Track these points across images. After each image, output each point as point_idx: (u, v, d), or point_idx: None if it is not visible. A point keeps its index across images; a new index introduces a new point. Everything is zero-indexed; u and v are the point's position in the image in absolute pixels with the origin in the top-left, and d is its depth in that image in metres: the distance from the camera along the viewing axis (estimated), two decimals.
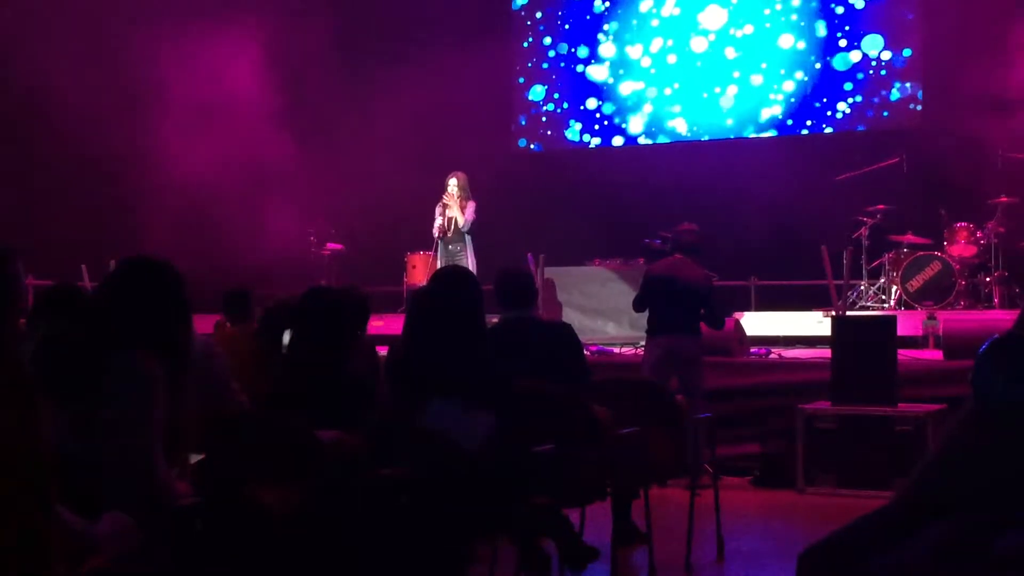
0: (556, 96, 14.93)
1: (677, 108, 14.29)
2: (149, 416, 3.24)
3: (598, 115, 14.68)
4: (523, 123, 15.14)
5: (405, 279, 12.31)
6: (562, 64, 14.90)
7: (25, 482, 2.44)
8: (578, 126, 14.78)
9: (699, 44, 14.16)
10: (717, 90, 14.05)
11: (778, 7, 13.85)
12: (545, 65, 15.03)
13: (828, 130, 13.65)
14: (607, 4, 14.68)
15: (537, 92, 15.04)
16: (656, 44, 14.37)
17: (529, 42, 15.12)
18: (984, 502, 2.13)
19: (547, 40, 15.00)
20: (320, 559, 3.54)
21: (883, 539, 2.16)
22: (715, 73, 14.07)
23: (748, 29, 13.95)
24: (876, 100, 13.43)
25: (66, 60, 12.42)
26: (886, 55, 13.34)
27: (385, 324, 11.04)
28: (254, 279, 6.68)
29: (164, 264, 3.59)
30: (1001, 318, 9.27)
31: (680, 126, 14.29)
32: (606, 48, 14.62)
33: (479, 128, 14.15)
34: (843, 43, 13.51)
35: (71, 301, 4.69)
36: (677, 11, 14.28)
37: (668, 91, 14.31)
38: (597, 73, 14.67)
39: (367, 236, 13.44)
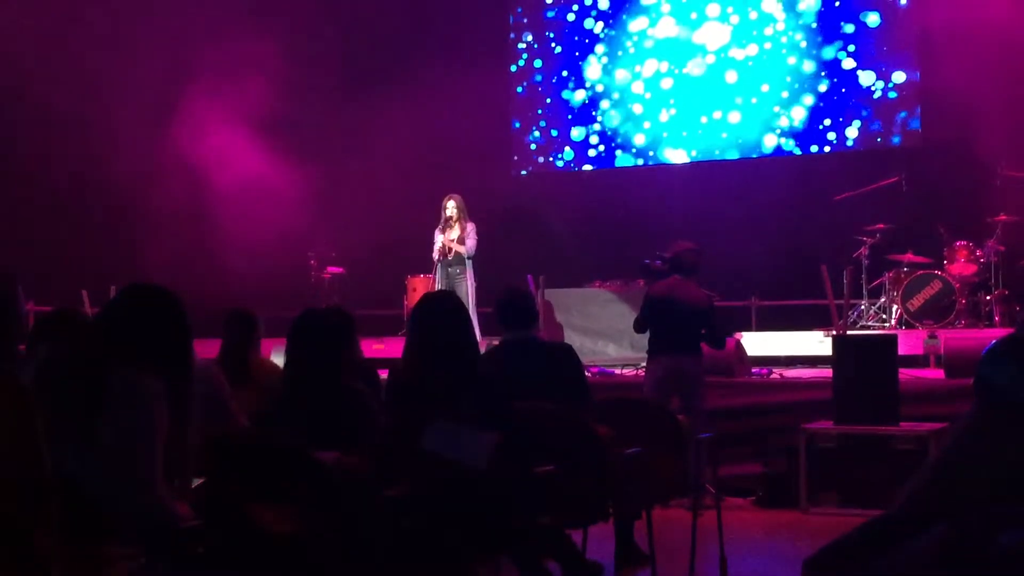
0: (555, 119, 14.94)
1: (677, 129, 14.30)
2: (150, 436, 3.24)
3: (596, 138, 14.69)
4: (521, 146, 15.16)
5: (405, 302, 12.31)
6: (558, 87, 14.91)
7: (25, 500, 2.44)
8: (577, 148, 14.80)
9: (700, 65, 14.17)
10: (717, 115, 14.06)
11: (780, 27, 13.87)
12: (540, 88, 15.05)
13: (827, 150, 13.66)
14: (601, 24, 14.71)
15: (536, 115, 15.06)
16: (661, 64, 14.38)
17: (520, 65, 15.13)
18: (990, 500, 2.12)
19: (537, 63, 15.02)
20: None
21: (887, 541, 2.16)
22: (715, 95, 14.09)
23: (750, 50, 13.97)
24: (876, 121, 13.45)
25: (68, 86, 12.46)
26: (884, 76, 13.36)
27: (386, 347, 11.04)
28: (254, 303, 6.66)
29: (165, 289, 3.61)
30: (1002, 336, 9.26)
31: (680, 147, 14.30)
32: (604, 69, 14.64)
33: (479, 152, 14.18)
34: (847, 64, 13.51)
35: (71, 325, 4.69)
36: (681, 33, 14.32)
37: (668, 112, 14.32)
38: (595, 94, 14.70)
39: (367, 259, 13.45)
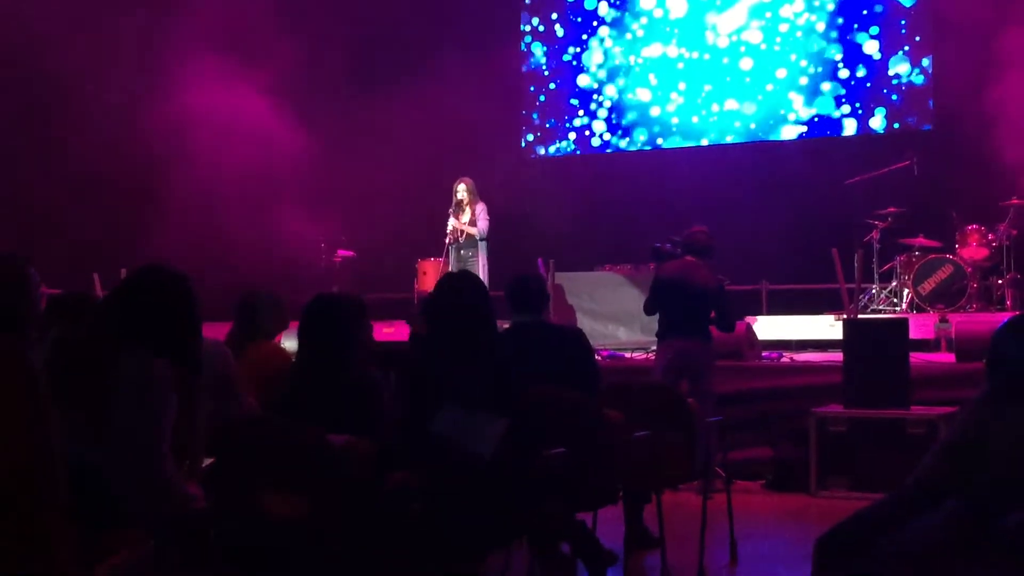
0: (564, 103, 14.90)
1: (687, 114, 14.25)
2: (158, 419, 3.25)
3: (603, 125, 14.64)
4: (531, 130, 15.13)
5: (416, 285, 12.32)
6: (565, 71, 14.85)
7: (36, 486, 2.45)
8: (586, 133, 14.76)
9: (713, 49, 14.09)
10: (730, 101, 14.01)
11: (798, 7, 13.74)
12: (548, 72, 15.00)
13: (844, 135, 13.58)
14: (606, 5, 14.63)
15: (545, 99, 15.02)
16: (671, 48, 14.32)
17: (528, 49, 15.09)
18: (999, 477, 2.13)
19: (540, 49, 14.97)
20: (331, 565, 3.54)
21: (898, 519, 2.17)
22: (729, 79, 14.02)
23: (765, 33, 13.89)
24: (886, 103, 13.38)
25: (80, 70, 12.47)
26: (898, 62, 13.29)
27: (396, 331, 11.05)
28: (264, 286, 6.68)
29: (175, 271, 3.61)
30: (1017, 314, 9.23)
31: (691, 132, 14.24)
32: (613, 52, 14.59)
33: (488, 136, 14.16)
34: (864, 49, 13.44)
35: (82, 308, 4.70)
36: (686, 13, 14.23)
37: (678, 97, 14.26)
38: (604, 78, 14.65)
39: (378, 243, 13.46)
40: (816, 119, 13.65)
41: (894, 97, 13.35)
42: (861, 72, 13.43)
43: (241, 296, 6.03)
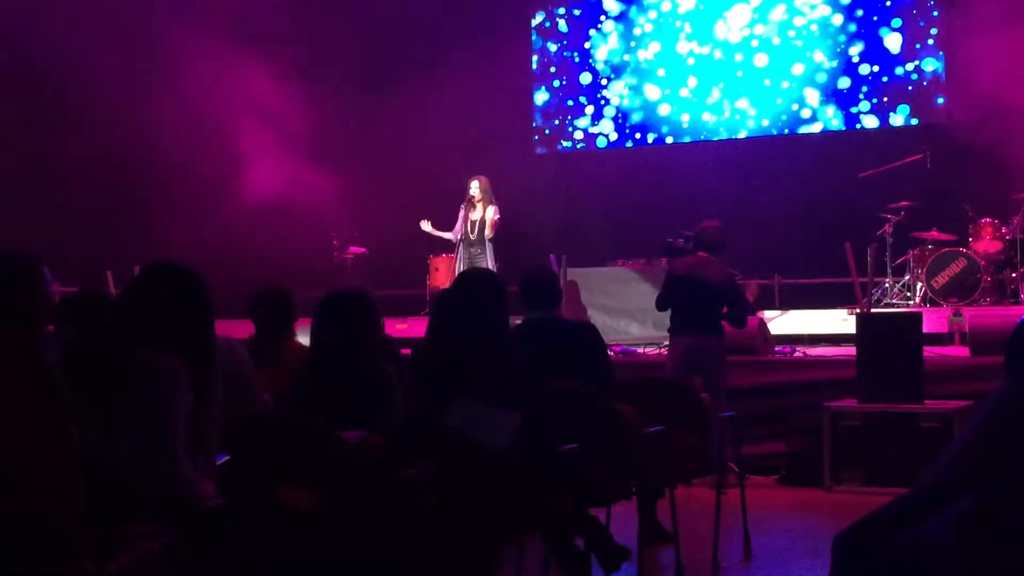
0: (575, 98, 14.88)
1: (698, 109, 14.21)
2: (173, 415, 3.26)
3: (610, 124, 14.60)
4: (540, 125, 15.11)
5: (428, 282, 12.34)
6: (574, 67, 14.82)
7: (54, 483, 2.46)
8: (599, 127, 14.74)
9: (724, 45, 14.04)
10: (744, 105, 13.98)
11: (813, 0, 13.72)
12: (557, 68, 14.98)
13: (859, 127, 13.53)
14: (621, 3, 14.61)
15: (557, 94, 15.00)
16: (680, 42, 14.29)
17: (539, 45, 15.08)
18: (1017, 475, 2.12)
19: (547, 45, 14.94)
20: (345, 560, 3.55)
21: (917, 514, 2.16)
22: (738, 74, 13.98)
23: (770, 29, 13.84)
24: (902, 98, 13.32)
25: (97, 67, 12.50)
26: (914, 56, 13.23)
27: (409, 327, 11.06)
28: (275, 284, 6.66)
29: (187, 268, 3.62)
30: None
31: (701, 127, 14.20)
32: (626, 47, 14.56)
33: (500, 132, 14.16)
34: (887, 43, 13.38)
35: (96, 306, 4.72)
36: (702, 8, 14.19)
37: (689, 93, 14.23)
38: (615, 74, 14.62)
39: (390, 239, 13.47)
40: (832, 114, 13.58)
41: (918, 91, 13.26)
42: (877, 67, 13.36)
43: (267, 294, 5.91)
